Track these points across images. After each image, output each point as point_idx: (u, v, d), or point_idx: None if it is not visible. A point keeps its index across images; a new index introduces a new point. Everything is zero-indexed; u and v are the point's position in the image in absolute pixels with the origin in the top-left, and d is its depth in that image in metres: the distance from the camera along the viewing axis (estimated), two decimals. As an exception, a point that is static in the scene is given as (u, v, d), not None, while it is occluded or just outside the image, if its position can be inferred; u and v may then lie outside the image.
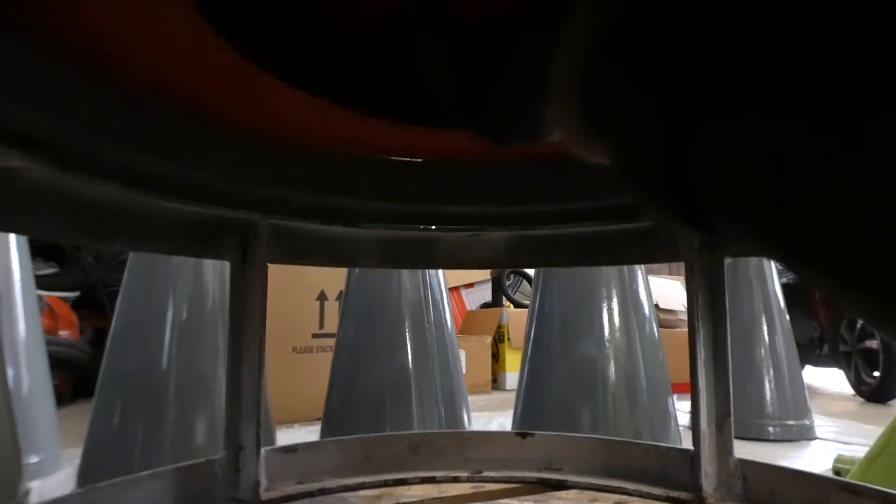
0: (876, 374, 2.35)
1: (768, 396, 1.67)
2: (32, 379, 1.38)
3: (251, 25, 0.35)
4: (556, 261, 0.66)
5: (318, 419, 1.66)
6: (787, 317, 1.81)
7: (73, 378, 2.38)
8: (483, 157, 0.56)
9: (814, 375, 3.14)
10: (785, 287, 1.91)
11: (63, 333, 2.41)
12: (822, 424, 1.80)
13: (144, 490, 0.51)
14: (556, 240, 0.66)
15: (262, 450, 0.58)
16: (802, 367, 2.98)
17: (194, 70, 0.39)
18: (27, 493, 1.08)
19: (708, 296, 0.57)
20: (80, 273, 2.69)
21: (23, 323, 1.38)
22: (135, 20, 0.33)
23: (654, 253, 0.63)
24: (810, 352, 2.84)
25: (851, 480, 0.50)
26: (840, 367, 2.65)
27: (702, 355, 0.56)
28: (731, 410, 0.56)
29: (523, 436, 0.67)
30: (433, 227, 0.65)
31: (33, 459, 1.27)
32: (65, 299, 2.58)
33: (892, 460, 0.66)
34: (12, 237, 1.35)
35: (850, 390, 2.60)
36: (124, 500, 0.49)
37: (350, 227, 0.64)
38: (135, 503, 0.50)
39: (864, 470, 0.68)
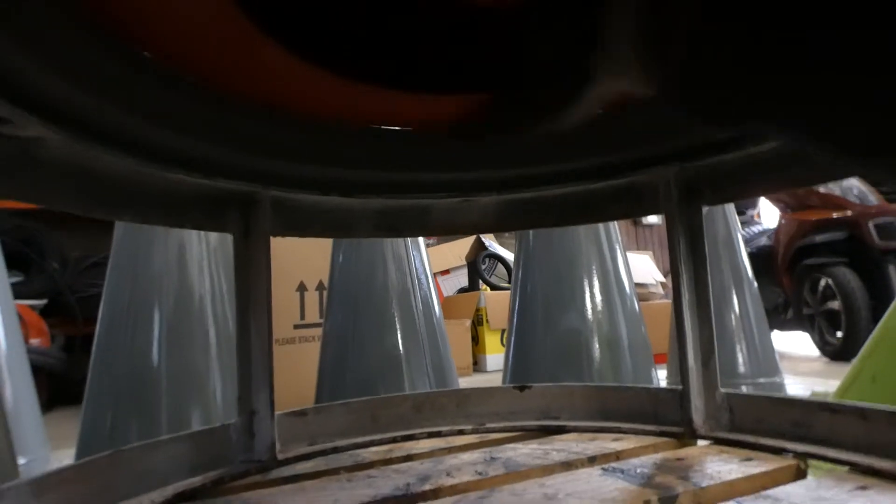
0: (839, 334, 2.48)
1: (741, 359, 1.75)
2: (15, 385, 1.36)
3: (273, 7, 0.37)
4: (544, 222, 0.70)
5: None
6: (755, 284, 1.89)
7: (47, 386, 2.33)
8: (467, 125, 0.59)
9: (781, 340, 3.28)
10: (751, 256, 2.00)
11: (34, 342, 2.35)
12: (791, 383, 1.89)
13: (166, 453, 0.52)
14: (543, 201, 0.69)
15: (275, 414, 0.60)
16: (770, 331, 3.11)
17: (200, 37, 0.40)
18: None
19: (688, 242, 0.61)
20: (46, 280, 2.62)
21: (2, 329, 1.35)
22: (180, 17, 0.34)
23: (636, 208, 0.67)
24: (776, 317, 2.97)
25: (830, 400, 0.54)
26: (805, 329, 2.78)
27: (686, 297, 0.60)
28: (715, 348, 0.61)
29: (521, 389, 0.70)
30: (425, 194, 0.68)
31: (21, 461, 1.25)
32: (33, 307, 2.51)
33: (862, 388, 0.72)
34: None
35: (815, 352, 2.73)
36: (148, 460, 0.51)
37: (346, 198, 0.66)
38: (158, 464, 0.51)
39: (839, 398, 0.74)
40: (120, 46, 0.38)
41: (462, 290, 3.36)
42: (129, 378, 1.21)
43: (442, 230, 0.72)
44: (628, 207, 0.67)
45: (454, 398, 0.70)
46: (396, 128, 0.59)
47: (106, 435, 1.19)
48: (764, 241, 3.01)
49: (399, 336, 1.45)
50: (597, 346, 1.41)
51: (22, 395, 1.44)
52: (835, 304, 2.47)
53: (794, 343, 3.24)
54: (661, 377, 1.84)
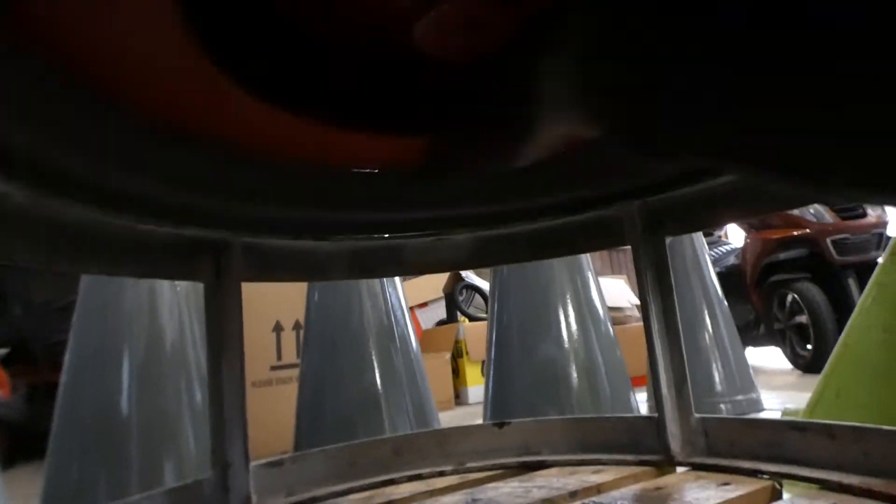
0: (809, 346, 2.54)
1: (717, 377, 1.78)
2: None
3: (232, 41, 0.38)
4: (517, 257, 0.71)
5: (284, 453, 1.63)
6: (726, 303, 1.94)
7: (7, 440, 2.22)
8: (437, 164, 0.60)
9: (754, 356, 3.33)
10: (719, 276, 2.05)
11: (-4, 395, 2.26)
12: (767, 397, 1.92)
13: (138, 514, 0.51)
14: (516, 237, 0.71)
15: (250, 465, 0.59)
16: (743, 348, 3.16)
17: (162, 82, 0.41)
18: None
19: (655, 273, 0.63)
20: (7, 327, 2.53)
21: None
22: (119, 35, 0.35)
23: (604, 240, 0.69)
24: (749, 333, 3.03)
25: (798, 419, 0.56)
26: (777, 344, 2.84)
27: (656, 326, 0.62)
28: (687, 375, 0.62)
29: (500, 425, 0.70)
30: (398, 234, 0.69)
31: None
32: (-6, 358, 2.42)
33: (828, 404, 0.74)
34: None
35: (788, 365, 2.79)
36: (119, 524, 0.49)
37: (319, 241, 0.66)
38: (130, 527, 0.49)
39: (808, 415, 0.76)
40: (81, 93, 0.38)
41: (441, 323, 3.35)
42: (97, 428, 1.17)
43: (416, 269, 0.72)
44: (598, 240, 0.69)
45: (433, 439, 0.69)
46: (364, 169, 0.60)
47: (72, 490, 1.14)
48: (732, 260, 3.09)
49: (377, 374, 1.44)
50: (574, 373, 1.42)
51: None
52: (803, 318, 2.54)
53: (768, 358, 3.31)
54: (642, 399, 1.86)
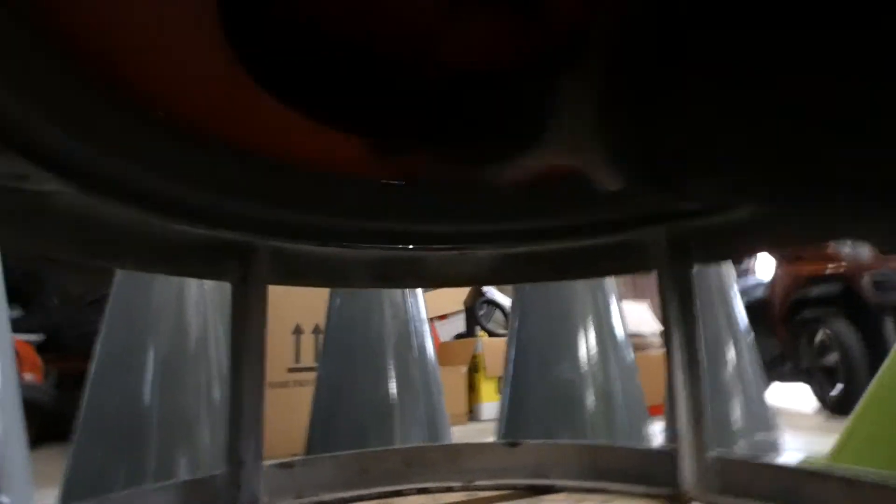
0: (838, 387, 2.45)
1: (737, 412, 1.73)
2: (6, 421, 1.34)
3: (269, 54, 0.40)
4: (538, 276, 0.71)
5: (295, 455, 1.64)
6: (752, 336, 1.89)
7: (36, 422, 2.29)
8: (463, 179, 0.61)
9: (779, 392, 3.24)
10: (747, 308, 2.01)
11: (27, 377, 2.33)
12: (789, 438, 1.86)
13: (153, 502, 0.52)
14: (538, 256, 0.71)
15: (262, 464, 0.60)
16: (769, 384, 3.07)
17: (203, 94, 0.43)
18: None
19: (679, 301, 0.62)
20: (45, 316, 2.62)
21: (-3, 363, 1.35)
22: (170, 63, 0.37)
23: (628, 265, 0.68)
24: (775, 369, 2.94)
25: (819, 468, 0.54)
26: (804, 381, 2.75)
27: (677, 357, 0.61)
28: (707, 409, 0.61)
29: (512, 445, 0.70)
30: (421, 245, 0.69)
31: (5, 500, 1.22)
32: (30, 342, 2.50)
33: (856, 449, 0.72)
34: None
35: (814, 404, 2.69)
36: (133, 513, 0.50)
37: (343, 248, 0.67)
38: (143, 516, 0.51)
39: (832, 460, 0.73)
40: (127, 104, 0.40)
41: (459, 336, 3.34)
42: (120, 418, 1.20)
43: (436, 282, 0.73)
44: (622, 264, 0.69)
45: (444, 453, 0.69)
46: (393, 182, 0.61)
47: (93, 473, 1.16)
48: (760, 292, 3.01)
49: (393, 384, 1.44)
50: (590, 398, 1.40)
51: (11, 431, 1.41)
52: (832, 358, 2.46)
53: (793, 395, 3.21)
54: (658, 429, 1.82)
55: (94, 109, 0.37)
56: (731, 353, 1.80)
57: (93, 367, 1.25)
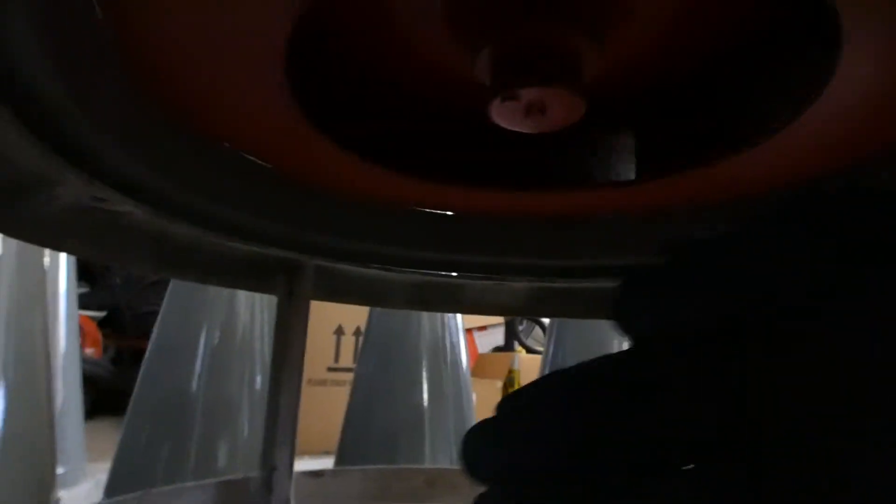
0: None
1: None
2: (66, 393, 1.45)
3: (331, 107, 0.43)
4: (573, 312, 0.72)
5: (327, 452, 1.70)
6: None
7: (92, 395, 2.45)
8: (504, 212, 0.63)
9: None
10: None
11: (88, 351, 2.50)
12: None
13: (190, 499, 0.56)
14: (573, 292, 0.72)
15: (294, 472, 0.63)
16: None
17: (272, 137, 0.47)
18: (58, 501, 1.13)
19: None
20: (108, 294, 2.79)
21: (63, 339, 1.46)
22: (236, 97, 0.41)
23: (663, 310, 0.68)
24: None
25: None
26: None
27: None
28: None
29: (534, 475, 0.71)
30: (459, 273, 0.72)
31: (60, 470, 1.32)
32: (92, 318, 2.68)
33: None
34: (63, 261, 1.45)
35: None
36: (173, 506, 0.55)
37: (384, 271, 0.70)
38: (182, 511, 0.55)
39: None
40: (201, 144, 0.44)
41: (497, 349, 3.34)
42: (169, 401, 1.28)
43: (472, 309, 0.75)
44: (655, 308, 0.69)
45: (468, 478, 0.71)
46: (438, 211, 0.64)
47: (141, 450, 1.24)
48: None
49: (425, 392, 1.48)
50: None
51: (70, 403, 1.52)
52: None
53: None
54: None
55: (173, 148, 0.42)
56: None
57: (148, 351, 1.34)
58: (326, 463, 1.54)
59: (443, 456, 1.41)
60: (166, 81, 0.40)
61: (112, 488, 1.19)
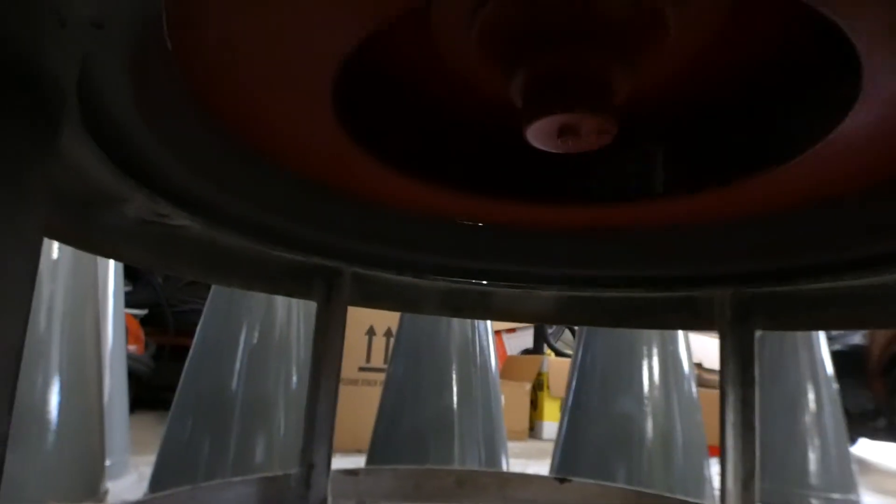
0: (935, 454, 2.24)
1: (812, 467, 1.63)
2: (113, 388, 1.52)
3: (373, 128, 0.46)
4: (600, 321, 0.73)
5: (358, 450, 1.73)
6: (835, 385, 1.78)
7: (134, 390, 2.55)
8: (535, 223, 0.65)
9: (869, 449, 2.99)
10: (836, 354, 1.88)
11: (131, 348, 2.60)
12: (871, 501, 1.73)
13: (235, 493, 0.60)
14: (601, 302, 0.73)
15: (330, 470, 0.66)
16: (856, 439, 2.85)
17: (318, 154, 0.50)
18: (106, 492, 1.19)
19: (738, 363, 0.63)
20: (150, 292, 2.90)
21: (111, 334, 1.53)
22: (286, 122, 0.44)
23: (691, 321, 0.69)
24: (864, 423, 2.72)
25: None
26: (896, 442, 2.53)
27: (730, 418, 0.62)
28: (757, 473, 0.61)
29: (561, 481, 0.73)
30: (490, 281, 0.74)
31: (106, 463, 1.39)
32: (135, 316, 2.78)
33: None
34: (112, 262, 1.52)
35: (907, 469, 2.47)
36: (219, 499, 0.58)
37: (417, 279, 0.73)
38: (229, 502, 0.59)
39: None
40: (254, 162, 0.48)
41: (526, 352, 3.35)
42: (210, 398, 1.33)
43: (502, 316, 0.77)
44: (685, 319, 0.70)
45: (496, 480, 0.73)
46: (471, 223, 0.66)
47: (183, 443, 1.30)
48: (857, 338, 2.80)
49: (454, 394, 1.50)
50: (650, 432, 1.38)
51: (116, 396, 1.60)
52: (933, 421, 2.25)
53: (885, 454, 2.95)
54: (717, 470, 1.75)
55: (229, 165, 0.45)
56: (811, 402, 1.70)
57: (191, 350, 1.40)
58: (358, 461, 1.58)
59: (471, 455, 1.43)
60: (231, 115, 0.43)
61: (157, 480, 1.25)
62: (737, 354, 0.63)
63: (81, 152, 0.35)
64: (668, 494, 0.67)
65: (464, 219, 0.65)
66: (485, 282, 0.75)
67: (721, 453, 0.62)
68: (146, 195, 0.41)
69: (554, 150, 0.44)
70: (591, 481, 0.72)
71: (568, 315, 0.75)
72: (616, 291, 0.71)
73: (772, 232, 0.55)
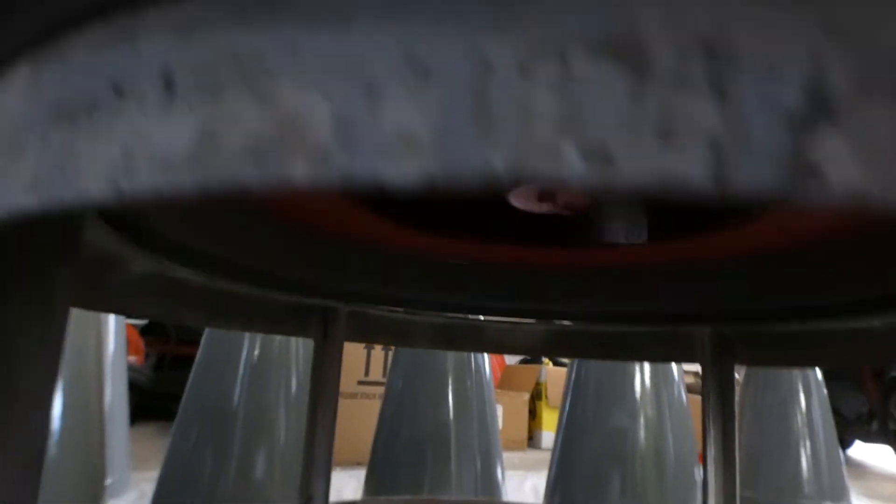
0: (927, 458, 2.27)
1: (804, 475, 1.66)
2: (114, 401, 1.54)
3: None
4: (587, 353, 0.76)
5: (359, 464, 1.76)
6: (825, 390, 1.80)
7: (134, 401, 2.57)
8: (520, 263, 0.68)
9: (865, 452, 3.02)
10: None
11: (131, 359, 2.62)
12: (863, 508, 1.76)
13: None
14: (587, 335, 0.76)
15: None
16: (851, 442, 2.87)
17: (318, 213, 0.52)
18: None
19: (718, 397, 0.66)
20: (150, 303, 2.92)
21: (112, 346, 1.55)
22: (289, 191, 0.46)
23: (674, 353, 0.72)
24: (859, 427, 2.76)
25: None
26: (890, 444, 2.56)
27: (711, 452, 0.64)
28: (738, 501, 0.64)
29: (551, 505, 0.76)
30: (480, 316, 0.77)
31: (107, 481, 1.41)
32: (135, 326, 2.81)
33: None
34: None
35: (900, 473, 2.50)
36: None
37: (410, 315, 0.76)
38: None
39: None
40: (258, 219, 0.50)
41: (525, 361, 3.37)
42: (213, 413, 1.36)
43: (493, 348, 0.80)
44: (669, 352, 0.73)
45: (487, 505, 0.76)
46: (461, 262, 0.69)
47: (187, 454, 1.32)
48: (850, 343, 2.82)
49: (451, 407, 1.53)
50: (642, 440, 1.41)
51: (117, 411, 1.62)
52: (925, 426, 2.28)
53: (878, 457, 2.98)
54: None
55: (232, 222, 0.48)
56: (802, 410, 1.72)
57: (194, 366, 1.42)
58: (359, 474, 1.61)
59: (468, 474, 1.46)
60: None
61: (159, 498, 1.27)
62: (717, 388, 0.66)
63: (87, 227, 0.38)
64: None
65: (455, 259, 0.68)
66: (476, 316, 0.78)
67: (703, 484, 0.65)
68: (151, 257, 0.44)
69: (535, 211, 0.47)
70: (580, 507, 0.75)
71: (557, 348, 0.78)
72: (602, 326, 0.74)
73: (745, 275, 0.58)
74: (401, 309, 0.74)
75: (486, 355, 1.64)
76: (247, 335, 1.40)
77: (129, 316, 0.55)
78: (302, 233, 0.56)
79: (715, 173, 0.09)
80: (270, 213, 0.52)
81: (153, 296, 0.53)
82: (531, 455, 2.45)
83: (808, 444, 1.69)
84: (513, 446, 2.49)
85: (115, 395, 1.60)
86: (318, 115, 0.11)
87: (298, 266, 0.61)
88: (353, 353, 2.10)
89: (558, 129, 0.10)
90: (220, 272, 0.53)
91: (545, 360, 3.28)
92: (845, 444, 2.80)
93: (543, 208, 0.47)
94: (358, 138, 0.10)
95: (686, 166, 0.09)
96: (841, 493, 1.67)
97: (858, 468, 2.71)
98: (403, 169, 0.10)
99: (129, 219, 0.42)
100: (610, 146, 0.09)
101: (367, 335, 0.75)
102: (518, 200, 0.46)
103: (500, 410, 1.93)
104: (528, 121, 0.10)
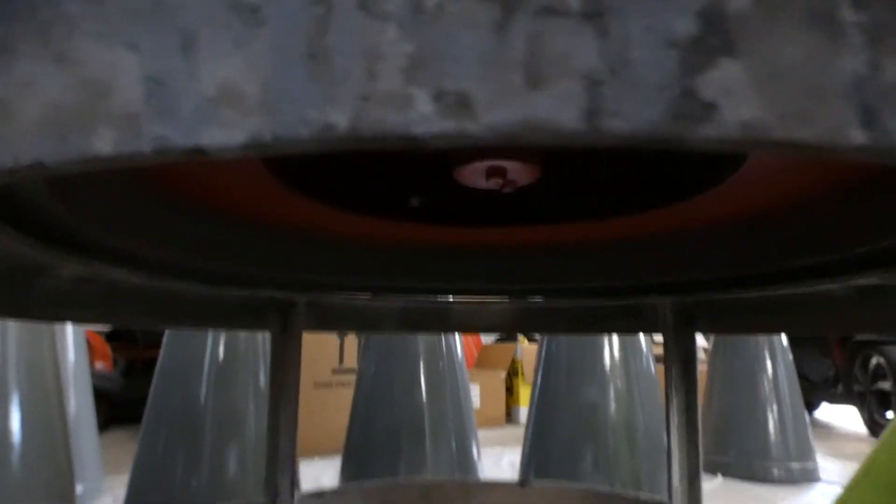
0: (889, 414, 2.37)
1: (772, 438, 1.71)
2: (78, 407, 1.50)
3: (302, 171, 0.46)
4: (555, 329, 0.76)
5: (337, 452, 1.75)
6: (791, 356, 1.85)
7: (106, 409, 2.51)
8: (486, 243, 0.66)
9: (829, 414, 3.13)
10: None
11: (98, 365, 2.55)
12: (829, 467, 1.82)
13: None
14: (555, 312, 0.75)
15: (295, 493, 0.68)
16: (818, 404, 2.97)
17: (254, 199, 0.50)
18: (78, 521, 1.18)
19: (681, 367, 0.66)
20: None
21: (72, 353, 1.50)
22: (225, 181, 0.44)
23: (639, 325, 0.72)
24: (826, 390, 2.85)
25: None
26: (855, 405, 2.66)
27: (675, 420, 0.65)
28: (700, 470, 0.64)
29: (522, 484, 0.76)
30: (445, 298, 0.75)
31: (79, 489, 1.38)
32: (99, 332, 2.73)
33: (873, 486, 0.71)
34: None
35: (864, 429, 2.60)
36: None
37: (372, 301, 0.74)
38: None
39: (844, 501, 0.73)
40: (190, 213, 0.48)
41: (500, 340, 3.39)
42: (180, 414, 1.33)
43: (460, 328, 0.79)
44: (632, 324, 0.73)
45: (460, 489, 0.76)
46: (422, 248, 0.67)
47: (158, 459, 1.30)
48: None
49: (424, 390, 1.52)
50: (612, 411, 1.43)
51: (82, 417, 1.57)
52: (886, 385, 2.37)
53: (843, 418, 3.09)
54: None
55: (164, 219, 0.45)
56: (768, 373, 1.76)
57: (157, 370, 1.38)
58: (337, 463, 1.60)
59: (444, 455, 1.46)
60: (163, 182, 0.43)
61: (131, 498, 1.24)
62: (680, 358, 0.66)
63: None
64: (619, 493, 0.70)
65: (410, 244, 0.67)
66: (440, 297, 0.76)
67: (668, 452, 0.65)
68: (77, 261, 0.41)
69: (484, 188, 0.46)
70: (551, 483, 0.75)
71: (523, 324, 0.77)
72: (567, 301, 0.73)
73: (705, 245, 0.58)
74: (362, 295, 0.72)
75: (457, 336, 1.64)
76: (210, 334, 1.37)
77: (74, 322, 0.52)
78: (239, 224, 0.54)
79: (589, 115, 0.08)
80: (198, 202, 0.49)
81: (89, 300, 0.50)
82: (509, 431, 2.48)
83: (774, 407, 1.73)
84: (492, 423, 2.51)
85: (80, 404, 1.56)
86: (125, 75, 0.09)
87: (242, 260, 0.59)
88: (326, 341, 2.08)
89: (409, 75, 0.08)
90: (157, 271, 0.50)
91: (521, 337, 3.31)
92: (812, 406, 2.90)
93: (491, 185, 0.45)
94: (173, 101, 0.08)
95: (555, 109, 0.08)
96: (807, 453, 1.72)
97: (825, 429, 2.81)
98: (227, 133, 0.08)
99: (40, 222, 0.39)
100: (469, 92, 0.08)
101: (329, 324, 0.73)
102: (465, 177, 0.45)
103: (477, 389, 1.94)
104: (374, 67, 0.08)
